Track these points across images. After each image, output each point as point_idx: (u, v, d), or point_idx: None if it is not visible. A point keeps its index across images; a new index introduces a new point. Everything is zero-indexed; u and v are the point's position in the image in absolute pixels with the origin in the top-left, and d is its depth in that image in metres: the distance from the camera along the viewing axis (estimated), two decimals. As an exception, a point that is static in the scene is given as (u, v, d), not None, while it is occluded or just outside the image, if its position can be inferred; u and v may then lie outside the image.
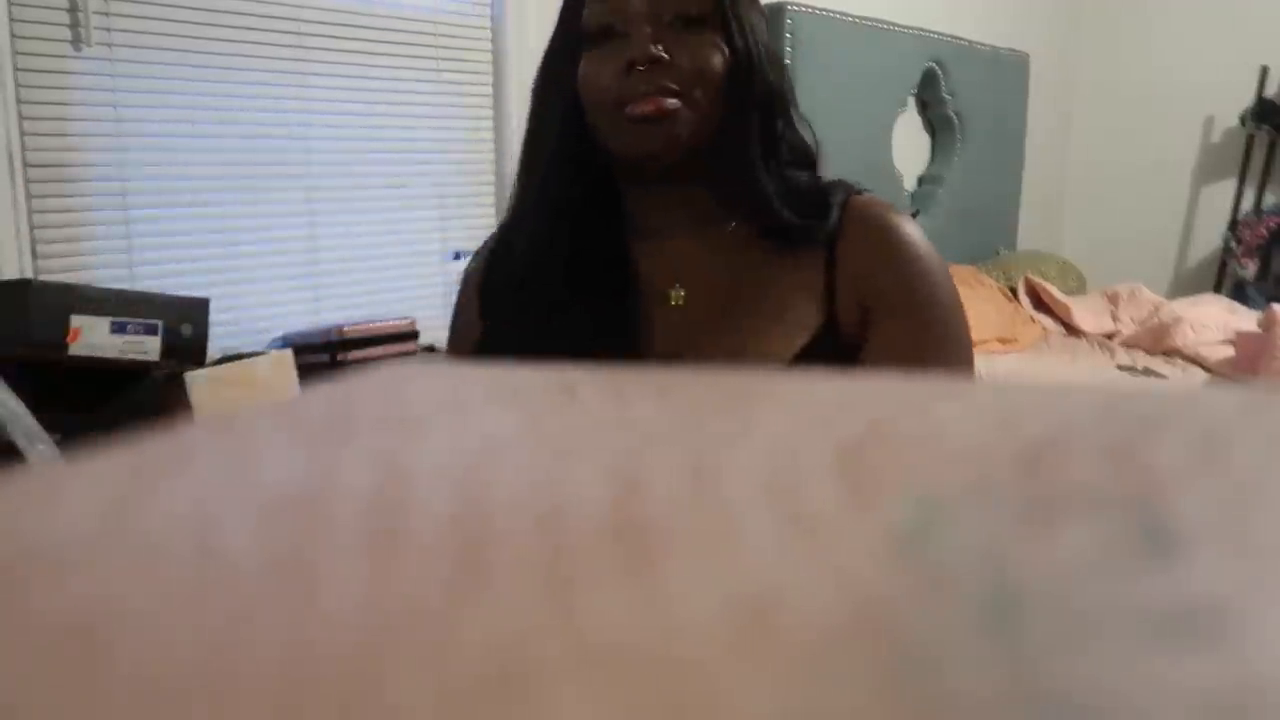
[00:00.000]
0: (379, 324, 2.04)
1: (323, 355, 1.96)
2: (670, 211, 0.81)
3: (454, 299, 0.90)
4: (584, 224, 0.80)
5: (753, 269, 0.79)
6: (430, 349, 2.19)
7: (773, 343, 0.77)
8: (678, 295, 0.80)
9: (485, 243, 0.90)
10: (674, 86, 0.74)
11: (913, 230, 0.79)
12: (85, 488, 0.15)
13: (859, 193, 0.82)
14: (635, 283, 0.80)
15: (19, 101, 1.71)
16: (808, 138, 0.83)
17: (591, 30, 0.77)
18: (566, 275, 0.79)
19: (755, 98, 0.78)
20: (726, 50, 0.76)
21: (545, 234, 0.80)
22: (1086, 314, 3.47)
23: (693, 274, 0.80)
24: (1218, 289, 3.92)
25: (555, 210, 0.80)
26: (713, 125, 0.77)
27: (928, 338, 0.77)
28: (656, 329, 0.79)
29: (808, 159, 0.83)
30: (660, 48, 0.74)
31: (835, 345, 0.77)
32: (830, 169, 0.88)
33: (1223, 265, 4.01)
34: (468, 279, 0.88)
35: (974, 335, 3.19)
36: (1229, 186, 4.09)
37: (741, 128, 0.78)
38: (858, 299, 0.77)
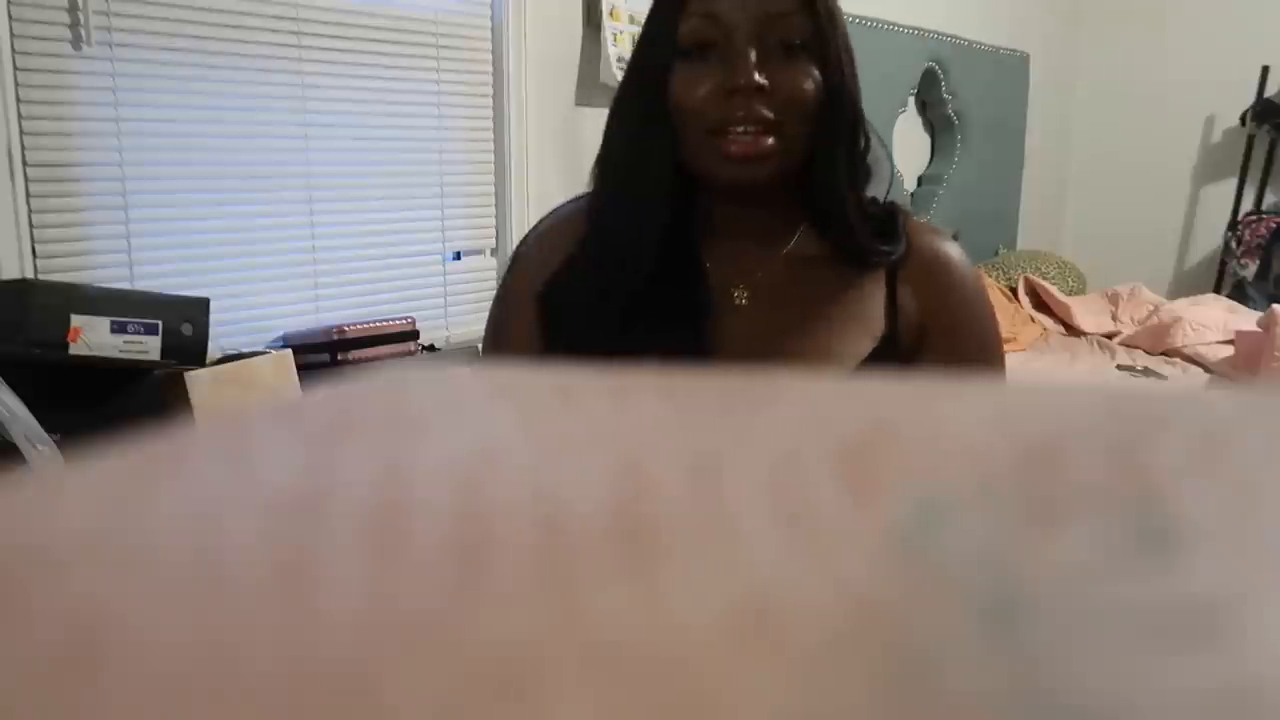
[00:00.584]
0: (379, 324, 2.05)
1: (323, 355, 1.96)
2: (743, 220, 0.82)
3: (501, 281, 0.90)
4: (665, 225, 0.80)
5: (817, 278, 0.81)
6: (430, 349, 2.19)
7: (843, 344, 0.79)
8: (742, 295, 0.81)
9: (545, 223, 0.88)
10: (770, 116, 0.74)
11: (964, 259, 0.85)
12: (85, 488, 0.15)
13: (907, 213, 0.85)
14: (706, 280, 0.81)
15: (19, 101, 1.71)
16: (881, 158, 0.85)
17: (689, 43, 0.76)
18: (645, 276, 0.79)
19: (845, 126, 0.79)
20: (820, 78, 0.76)
21: (635, 247, 0.79)
22: (1086, 314, 3.47)
23: (757, 277, 0.81)
24: (1218, 289, 3.92)
25: (647, 225, 0.79)
26: (800, 151, 0.77)
27: (979, 358, 0.82)
28: (722, 328, 0.80)
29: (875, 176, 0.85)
30: (761, 75, 0.73)
31: (897, 355, 0.80)
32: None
33: (1223, 265, 4.01)
34: (524, 262, 0.87)
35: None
36: (1229, 186, 4.09)
37: (830, 155, 0.79)
38: (918, 319, 0.81)
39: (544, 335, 0.83)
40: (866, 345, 0.79)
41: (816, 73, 0.76)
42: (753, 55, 0.73)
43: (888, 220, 0.82)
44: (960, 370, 0.81)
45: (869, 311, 0.80)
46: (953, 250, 0.84)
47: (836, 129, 0.78)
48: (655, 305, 0.78)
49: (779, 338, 0.79)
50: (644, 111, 0.79)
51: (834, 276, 0.81)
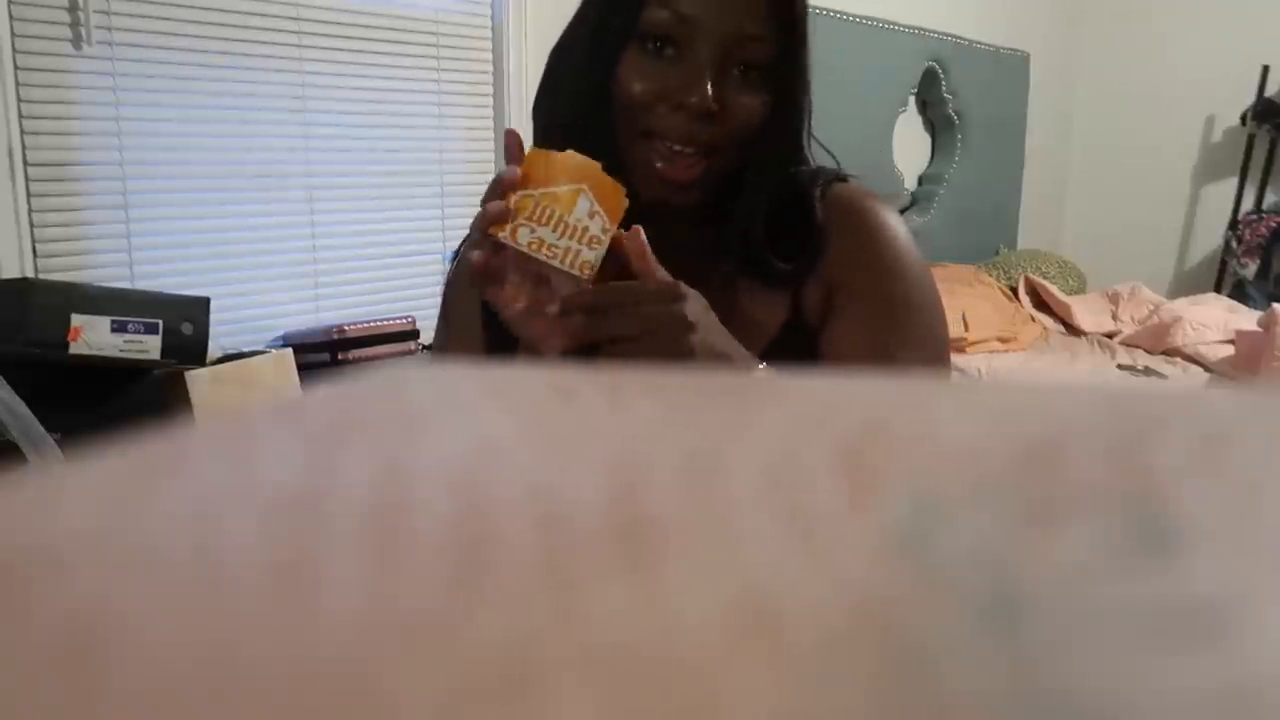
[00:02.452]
0: (379, 323, 2.05)
1: (323, 354, 1.96)
2: (657, 232, 0.79)
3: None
4: None
5: (719, 282, 0.76)
6: (430, 348, 2.19)
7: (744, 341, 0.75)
8: None
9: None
10: (717, 144, 0.71)
11: (887, 214, 0.78)
12: (85, 487, 0.15)
13: (842, 178, 0.80)
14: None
15: (19, 100, 1.71)
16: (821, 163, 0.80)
17: (650, 35, 0.71)
18: None
19: (786, 150, 0.76)
20: (770, 103, 0.73)
21: None
22: (1087, 313, 3.47)
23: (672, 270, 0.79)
24: (1218, 288, 3.92)
25: None
26: (728, 173, 0.74)
27: (894, 309, 0.75)
28: None
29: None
30: (715, 99, 0.69)
31: (796, 339, 0.76)
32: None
33: (1223, 264, 4.01)
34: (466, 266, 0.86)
35: (974, 334, 3.18)
36: (1230, 186, 4.09)
37: (758, 182, 0.76)
38: (825, 282, 0.76)
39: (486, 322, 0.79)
40: (763, 342, 0.75)
41: (768, 98, 0.73)
42: (710, 73, 0.70)
43: (806, 225, 0.77)
44: (878, 331, 0.74)
45: (771, 302, 0.76)
46: (875, 207, 0.77)
47: (776, 153, 0.75)
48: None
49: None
50: (585, 82, 0.74)
51: (738, 275, 0.77)
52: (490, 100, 2.43)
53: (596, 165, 0.66)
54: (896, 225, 0.78)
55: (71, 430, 1.38)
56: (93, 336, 1.52)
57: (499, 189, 0.66)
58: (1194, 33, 4.16)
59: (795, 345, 0.76)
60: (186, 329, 1.65)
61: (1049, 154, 4.34)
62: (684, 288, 0.66)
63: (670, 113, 0.71)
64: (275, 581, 0.11)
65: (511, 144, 0.68)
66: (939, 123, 3.74)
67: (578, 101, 0.75)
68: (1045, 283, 3.59)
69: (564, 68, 0.78)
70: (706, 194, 0.74)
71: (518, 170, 0.66)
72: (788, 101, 0.74)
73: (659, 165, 0.71)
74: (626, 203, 0.66)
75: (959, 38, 3.66)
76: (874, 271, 0.76)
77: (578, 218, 0.66)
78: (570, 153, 0.66)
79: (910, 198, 3.61)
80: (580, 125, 0.74)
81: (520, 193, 0.66)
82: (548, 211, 0.66)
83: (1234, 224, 3.98)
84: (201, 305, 1.69)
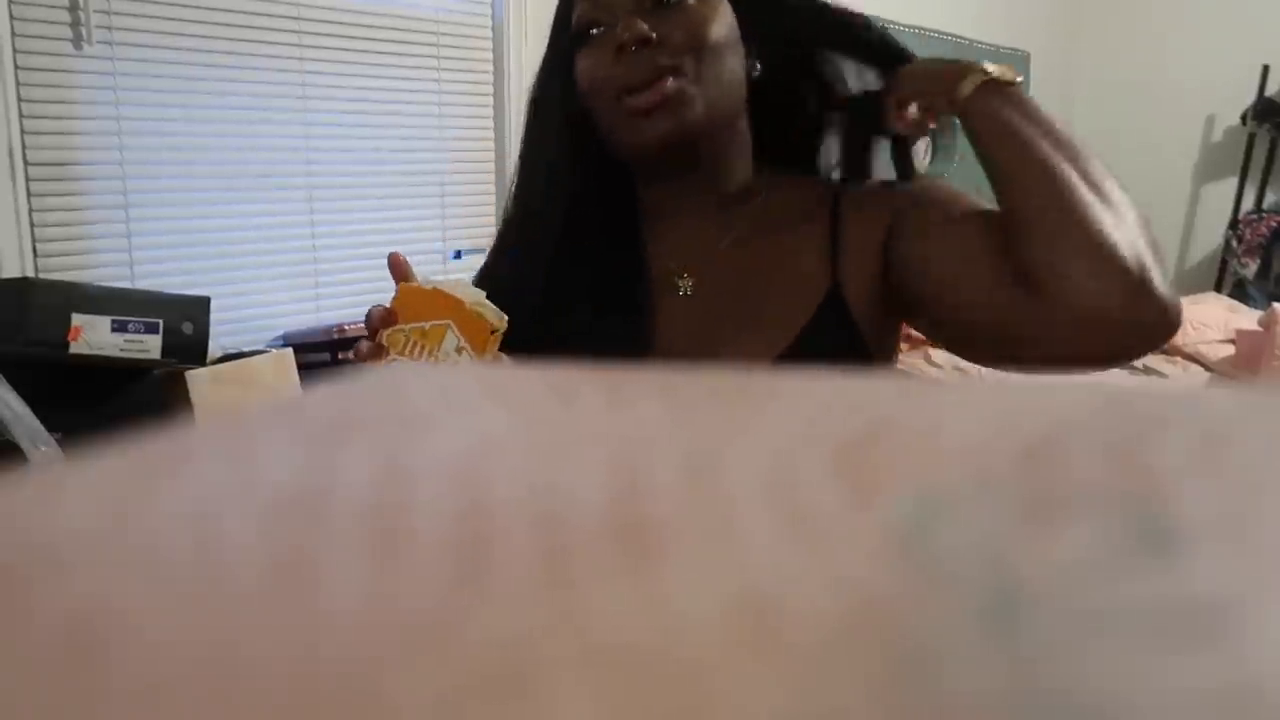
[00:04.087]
0: (380, 323, 2.04)
1: (323, 354, 1.96)
2: (684, 195, 0.80)
3: None
4: (594, 216, 0.79)
5: (759, 252, 0.78)
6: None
7: (784, 317, 0.75)
8: (686, 284, 0.79)
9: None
10: (670, 63, 0.72)
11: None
12: (85, 488, 0.15)
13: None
14: (646, 270, 0.79)
15: (20, 100, 1.71)
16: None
17: (581, 29, 0.76)
18: (579, 268, 0.78)
19: (798, 33, 0.78)
20: (729, 11, 0.75)
21: (555, 229, 0.79)
22: (1087, 313, 3.46)
23: (702, 259, 0.79)
24: (1219, 288, 3.92)
25: (564, 207, 0.79)
26: (725, 88, 0.75)
27: (961, 200, 0.76)
28: (665, 320, 0.78)
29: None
30: (646, 26, 0.72)
31: (838, 319, 0.76)
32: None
33: (1223, 264, 4.01)
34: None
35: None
36: (1230, 185, 4.09)
37: (786, 72, 0.78)
38: (876, 251, 0.76)
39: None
40: (809, 310, 0.75)
41: (721, 5, 0.74)
42: (631, 12, 0.73)
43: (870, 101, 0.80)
44: (944, 228, 0.74)
45: (812, 270, 0.77)
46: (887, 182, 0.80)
47: (789, 41, 0.78)
48: (595, 298, 0.77)
49: (718, 325, 0.77)
50: (554, 103, 0.79)
51: (778, 246, 0.78)
52: (490, 100, 2.42)
53: (462, 300, 0.69)
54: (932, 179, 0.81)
55: (71, 430, 1.38)
56: (93, 336, 1.52)
57: (370, 325, 0.70)
58: (1194, 33, 4.16)
59: (835, 321, 0.76)
60: (187, 329, 1.65)
61: (1049, 153, 4.34)
62: None
63: (616, 64, 0.73)
64: (275, 581, 0.11)
65: (394, 270, 0.72)
66: (939, 122, 3.74)
67: (562, 126, 0.79)
68: (1045, 282, 3.58)
69: (540, 117, 0.82)
70: (712, 113, 0.74)
71: (388, 306, 0.70)
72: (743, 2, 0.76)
73: (637, 104, 0.73)
74: (499, 330, 0.69)
75: (959, 37, 3.66)
76: (930, 193, 0.78)
77: (445, 352, 0.69)
78: (436, 289, 0.70)
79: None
80: (566, 142, 0.79)
81: (392, 328, 0.70)
82: (417, 346, 0.69)
83: (1234, 223, 3.98)
84: (202, 305, 1.69)
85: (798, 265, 0.77)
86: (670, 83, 0.72)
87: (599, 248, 0.79)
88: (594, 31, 0.76)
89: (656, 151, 0.76)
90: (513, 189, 0.84)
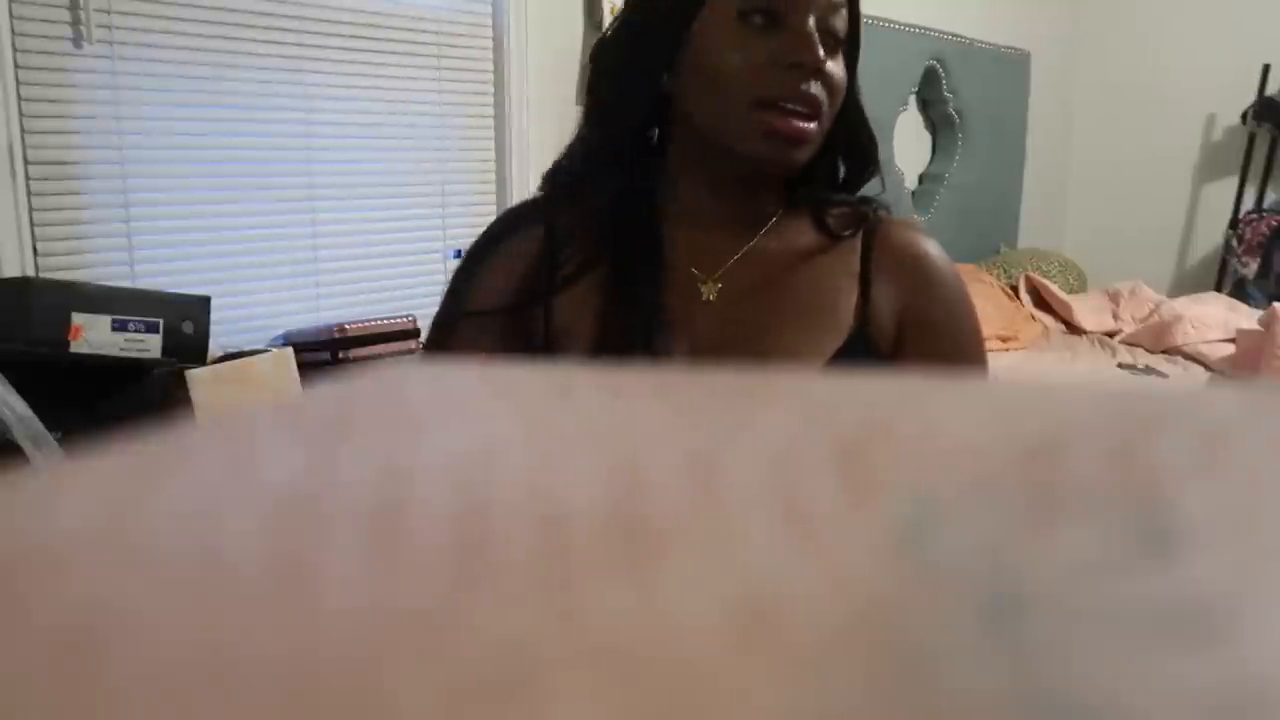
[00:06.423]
0: (380, 322, 2.05)
1: (323, 353, 1.96)
2: (719, 209, 0.80)
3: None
4: (627, 210, 0.80)
5: (788, 271, 0.79)
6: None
7: (809, 341, 0.77)
8: (711, 289, 0.79)
9: (525, 205, 0.88)
10: (822, 101, 0.74)
11: (943, 257, 0.82)
12: (85, 487, 0.15)
13: (886, 209, 0.84)
14: (669, 273, 0.79)
15: (20, 99, 1.71)
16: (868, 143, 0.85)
17: (750, 8, 0.73)
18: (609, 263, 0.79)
19: (850, 127, 0.81)
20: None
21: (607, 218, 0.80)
22: (1087, 312, 3.47)
23: (729, 268, 0.79)
24: (1219, 287, 3.92)
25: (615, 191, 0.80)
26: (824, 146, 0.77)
27: (956, 358, 0.80)
28: (687, 324, 0.78)
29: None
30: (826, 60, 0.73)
31: (867, 352, 0.77)
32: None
33: (1224, 263, 4.01)
34: (482, 278, 0.86)
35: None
36: (1230, 184, 4.08)
37: (830, 155, 0.80)
38: (894, 317, 0.79)
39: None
40: (834, 342, 0.77)
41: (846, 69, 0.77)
42: (816, 33, 0.73)
43: (858, 206, 0.82)
44: (937, 370, 0.79)
45: (839, 306, 0.78)
46: (931, 247, 0.82)
47: (846, 129, 0.79)
48: (617, 303, 0.77)
49: (744, 335, 0.77)
50: (644, 68, 0.78)
51: (805, 269, 0.79)
52: (491, 101, 2.42)
53: None
54: (947, 259, 0.83)
55: (72, 429, 1.38)
56: (93, 335, 1.53)
57: None
58: (1194, 32, 4.16)
59: (861, 358, 0.78)
60: (187, 328, 1.65)
61: (1049, 153, 4.34)
62: None
63: (784, 74, 0.73)
64: (275, 581, 0.11)
65: None
66: (940, 122, 3.74)
67: (645, 87, 0.78)
68: (1046, 282, 3.59)
69: (625, 59, 0.80)
70: (810, 159, 0.77)
71: None
72: (853, 75, 0.79)
73: (780, 126, 0.73)
74: None
75: (960, 37, 3.66)
76: (944, 310, 0.80)
77: None
78: None
79: (911, 197, 3.61)
80: (645, 111, 0.79)
81: None
82: None
83: (1234, 223, 3.98)
84: (202, 304, 1.69)
85: (830, 296, 0.79)
86: (814, 127, 0.74)
87: (623, 244, 0.79)
88: (757, 19, 0.74)
89: (763, 166, 0.77)
90: (580, 138, 0.83)
